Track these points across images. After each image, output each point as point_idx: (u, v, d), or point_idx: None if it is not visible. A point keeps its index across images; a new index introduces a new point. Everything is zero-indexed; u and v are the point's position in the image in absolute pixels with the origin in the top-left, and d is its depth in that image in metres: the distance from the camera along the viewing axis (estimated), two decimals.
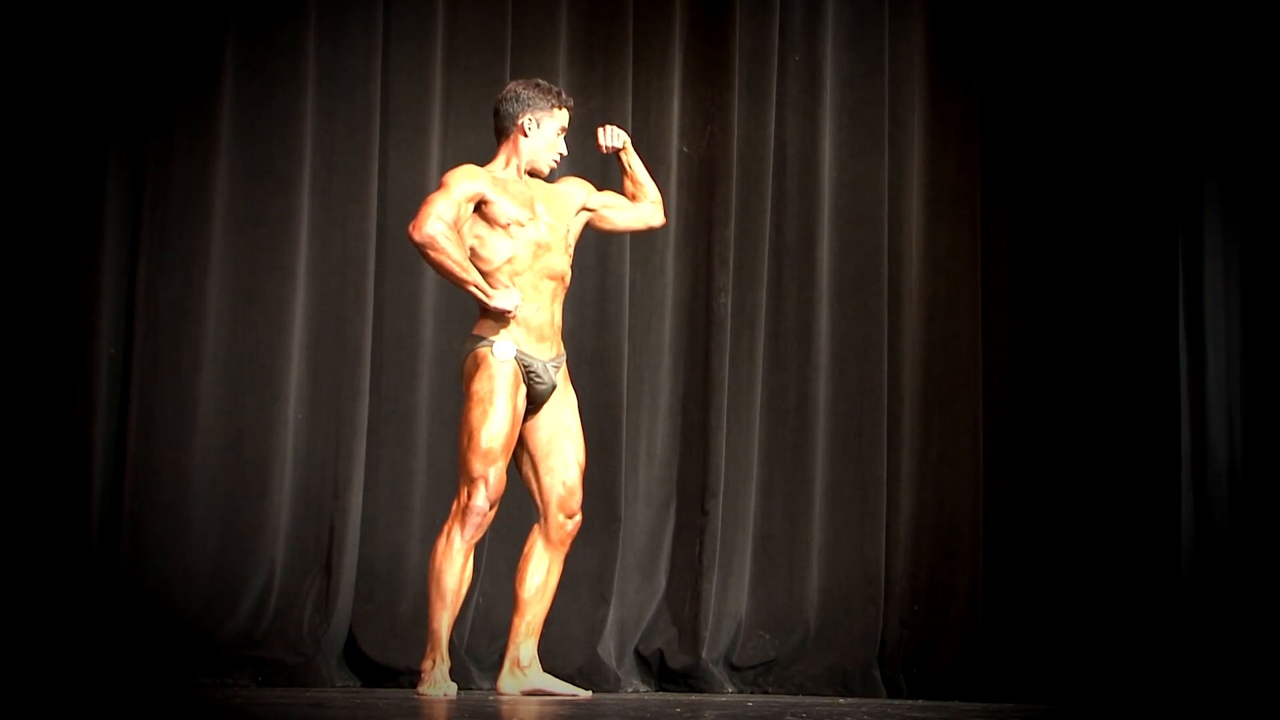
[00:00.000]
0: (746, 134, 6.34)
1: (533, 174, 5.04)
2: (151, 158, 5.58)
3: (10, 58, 5.43)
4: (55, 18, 5.48)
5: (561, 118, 5.05)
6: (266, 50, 5.74)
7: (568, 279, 5.00)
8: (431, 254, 4.78)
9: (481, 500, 4.78)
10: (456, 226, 4.81)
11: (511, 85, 5.12)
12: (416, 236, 4.77)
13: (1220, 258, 6.38)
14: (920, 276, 6.53)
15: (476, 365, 4.87)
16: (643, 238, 6.13)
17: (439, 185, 4.92)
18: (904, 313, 6.49)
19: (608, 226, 5.24)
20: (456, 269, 4.79)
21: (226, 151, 5.67)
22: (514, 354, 4.84)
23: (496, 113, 5.07)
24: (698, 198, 6.30)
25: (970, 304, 6.51)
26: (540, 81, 5.09)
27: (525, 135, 5.00)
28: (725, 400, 6.20)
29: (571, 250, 5.03)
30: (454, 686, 4.81)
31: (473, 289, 4.82)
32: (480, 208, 4.88)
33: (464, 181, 4.88)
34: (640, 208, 5.22)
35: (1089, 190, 6.44)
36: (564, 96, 5.07)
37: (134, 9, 5.56)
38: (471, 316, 5.01)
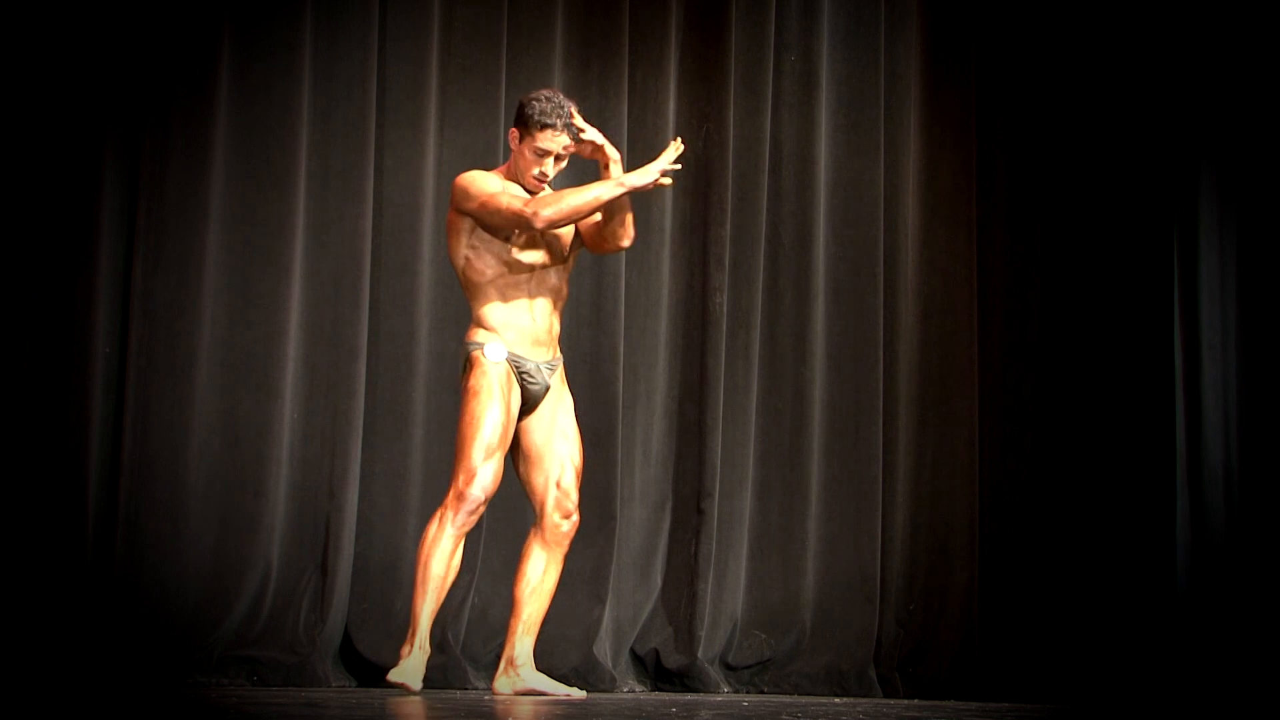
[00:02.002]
0: (742, 133, 6.34)
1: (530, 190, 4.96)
2: (147, 156, 5.58)
3: (6, 56, 5.43)
4: (51, 16, 5.47)
5: (544, 140, 4.89)
6: (262, 49, 5.74)
7: (564, 292, 5.01)
8: (563, 215, 4.78)
9: (476, 489, 4.78)
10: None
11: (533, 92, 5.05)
12: (539, 225, 4.79)
13: (1215, 256, 6.39)
14: (916, 275, 6.53)
15: (471, 366, 4.89)
16: (638, 237, 6.11)
17: (468, 197, 4.87)
18: (900, 312, 6.49)
19: (599, 240, 5.09)
20: (588, 201, 4.80)
21: (222, 150, 5.66)
22: (505, 355, 4.85)
23: None
24: (693, 197, 6.30)
25: (966, 303, 6.51)
26: (541, 96, 4.94)
27: (514, 148, 4.97)
28: (721, 400, 6.20)
29: (570, 266, 5.02)
30: (417, 677, 4.73)
31: (616, 188, 4.82)
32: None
33: (486, 180, 4.87)
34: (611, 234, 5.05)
35: (1085, 189, 6.45)
36: (546, 118, 4.88)
37: (130, 7, 5.55)
38: (467, 316, 5.01)
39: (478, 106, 5.97)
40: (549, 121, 4.88)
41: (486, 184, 4.90)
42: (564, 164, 4.99)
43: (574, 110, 4.94)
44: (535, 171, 4.92)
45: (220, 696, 4.69)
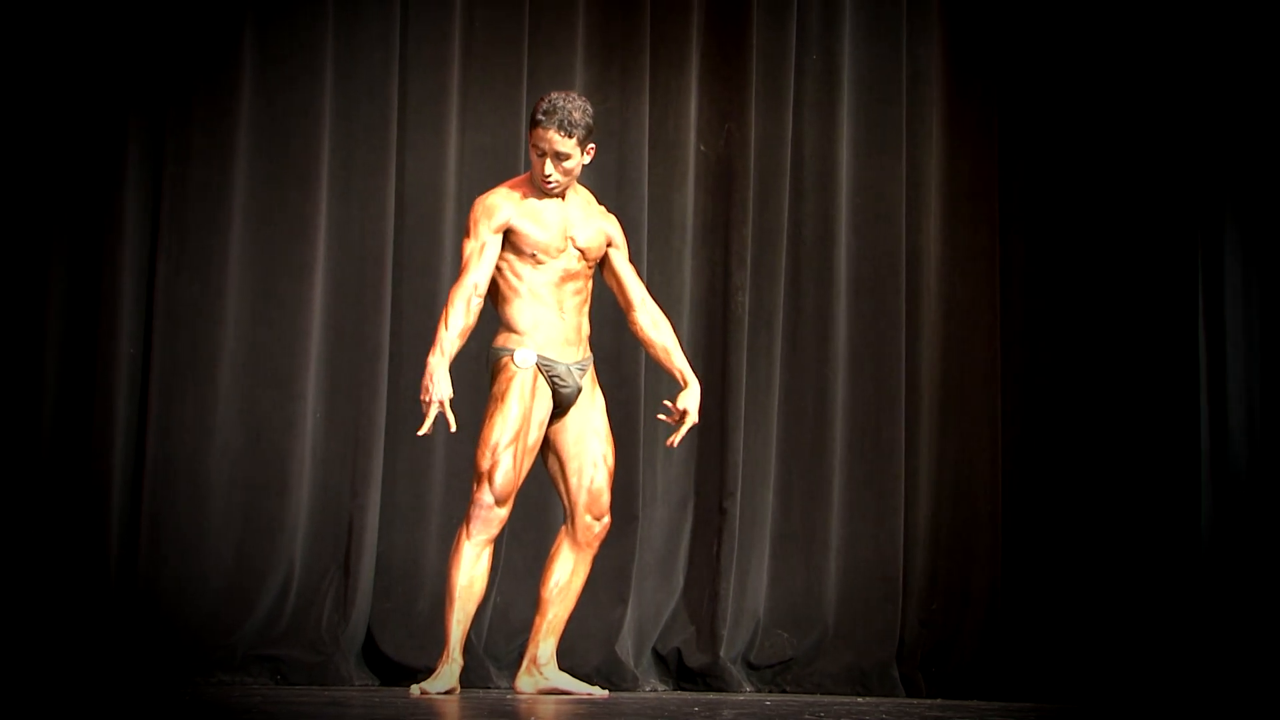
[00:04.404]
0: (764, 133, 6.33)
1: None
2: (170, 158, 5.60)
3: (29, 57, 5.45)
4: (73, 16, 5.49)
5: (535, 138, 4.80)
6: (284, 50, 5.76)
7: (590, 291, 4.98)
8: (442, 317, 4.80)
9: (486, 495, 4.74)
10: (476, 293, 4.79)
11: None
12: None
13: (1240, 254, 6.35)
14: (938, 274, 6.51)
15: (498, 372, 4.86)
16: (660, 236, 6.16)
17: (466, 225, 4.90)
18: (922, 311, 6.48)
19: (603, 275, 5.11)
20: (436, 337, 4.77)
21: (245, 151, 5.68)
22: (534, 361, 4.83)
23: None
24: (715, 196, 6.30)
25: (988, 302, 6.50)
26: (549, 95, 4.87)
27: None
28: (743, 399, 6.20)
29: (593, 267, 4.99)
30: (444, 687, 4.70)
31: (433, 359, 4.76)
32: (509, 237, 4.85)
33: (482, 213, 4.84)
34: (627, 305, 5.07)
35: (1108, 188, 6.42)
36: (537, 114, 4.80)
37: (152, 7, 5.58)
38: (490, 316, 5.01)
39: (499, 107, 5.98)
40: (537, 118, 4.80)
41: (477, 222, 4.85)
42: (568, 165, 4.82)
43: (579, 112, 4.79)
44: (543, 177, 4.85)
45: (244, 695, 4.70)
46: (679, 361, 5.08)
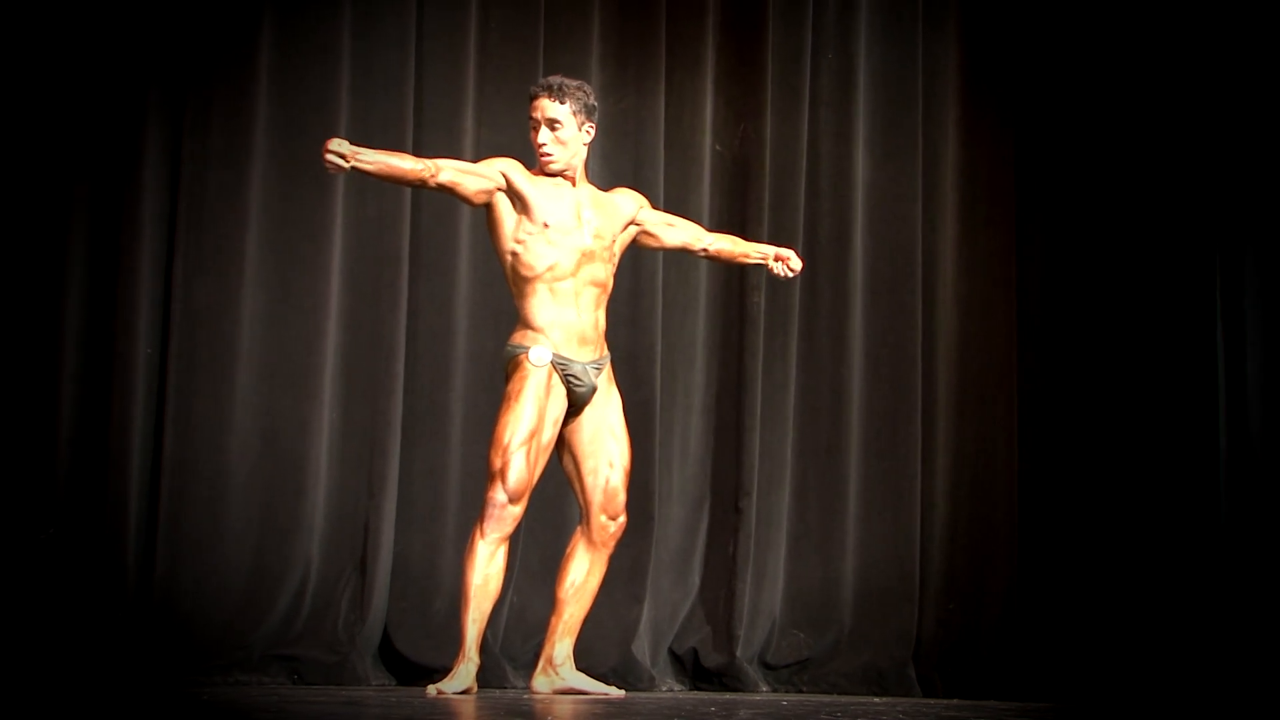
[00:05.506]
0: (780, 132, 6.33)
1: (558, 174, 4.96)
2: (187, 157, 5.62)
3: (46, 59, 5.47)
4: (89, 16, 5.51)
5: (531, 111, 4.93)
6: (301, 50, 5.77)
7: (610, 286, 4.98)
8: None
9: (500, 493, 4.73)
10: (433, 168, 4.77)
11: None
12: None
13: (1258, 251, 6.32)
14: (954, 274, 6.51)
15: (514, 369, 4.85)
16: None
17: None
18: (938, 310, 6.47)
19: (654, 245, 5.19)
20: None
21: (261, 152, 5.70)
22: (549, 359, 4.83)
23: None
24: (731, 196, 6.30)
25: (1005, 302, 6.49)
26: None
27: None
28: (759, 398, 6.20)
29: (616, 260, 5.00)
30: (461, 687, 4.68)
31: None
32: (519, 205, 4.87)
33: (486, 160, 4.92)
34: (695, 238, 5.19)
35: (1124, 187, 6.40)
36: (531, 89, 4.97)
37: (169, 8, 5.59)
38: (506, 315, 5.02)
39: (514, 106, 5.96)
40: (531, 91, 4.94)
41: (482, 160, 4.96)
42: (562, 135, 4.87)
43: (572, 86, 4.90)
44: (534, 143, 4.93)
45: (261, 695, 4.71)
46: (751, 245, 5.31)
